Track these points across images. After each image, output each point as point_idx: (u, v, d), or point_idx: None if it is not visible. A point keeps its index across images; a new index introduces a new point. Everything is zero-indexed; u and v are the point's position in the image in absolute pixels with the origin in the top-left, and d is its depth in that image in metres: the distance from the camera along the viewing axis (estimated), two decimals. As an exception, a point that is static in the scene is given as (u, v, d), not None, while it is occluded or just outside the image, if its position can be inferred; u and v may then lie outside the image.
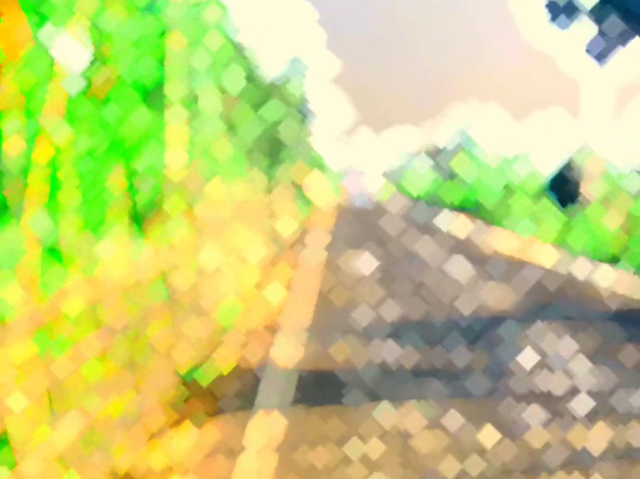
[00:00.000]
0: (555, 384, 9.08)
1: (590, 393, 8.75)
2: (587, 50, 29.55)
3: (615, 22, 27.58)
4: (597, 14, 28.40)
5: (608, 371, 9.69)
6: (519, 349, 10.88)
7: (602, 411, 8.03)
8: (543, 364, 9.99)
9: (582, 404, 8.27)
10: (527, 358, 10.32)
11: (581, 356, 10.38)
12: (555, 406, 8.25)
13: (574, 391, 8.79)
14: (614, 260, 19.62)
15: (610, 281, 17.63)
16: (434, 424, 7.61)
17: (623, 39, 27.98)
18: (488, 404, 8.34)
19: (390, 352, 10.78)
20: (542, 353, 10.65)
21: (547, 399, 8.50)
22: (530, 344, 11.19)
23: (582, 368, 9.80)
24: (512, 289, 16.13)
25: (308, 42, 39.53)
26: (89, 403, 6.77)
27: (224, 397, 8.81)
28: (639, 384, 9.11)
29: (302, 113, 30.39)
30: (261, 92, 22.98)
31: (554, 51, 30.05)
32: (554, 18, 29.24)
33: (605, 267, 19.62)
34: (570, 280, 18.04)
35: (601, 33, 28.83)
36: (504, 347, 11.10)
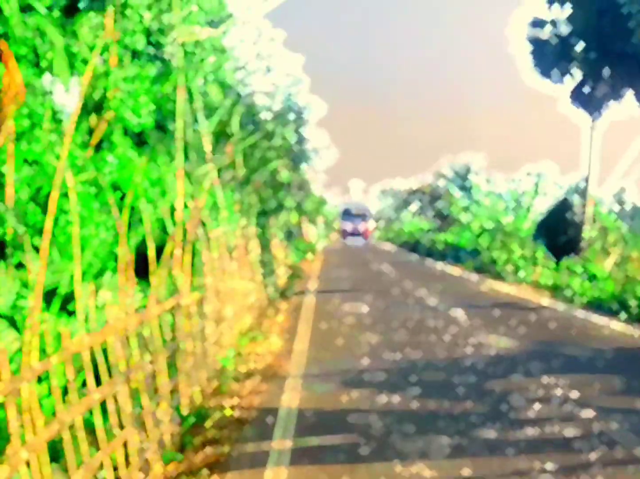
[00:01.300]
0: (563, 432, 9.05)
1: (599, 438, 8.74)
2: (572, 99, 29.69)
3: (602, 70, 27.77)
4: (584, 62, 28.63)
5: (611, 415, 9.70)
6: (524, 397, 10.83)
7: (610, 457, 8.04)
8: (549, 411, 10.00)
9: (590, 451, 8.27)
10: (532, 405, 10.32)
11: (587, 401, 10.40)
12: (564, 454, 8.24)
13: (581, 438, 8.79)
14: (610, 304, 19.65)
15: (607, 326, 17.69)
16: None
17: (614, 91, 28.11)
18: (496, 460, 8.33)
19: (392, 402, 10.71)
20: (546, 400, 10.60)
21: (557, 448, 8.49)
22: (534, 392, 11.19)
23: (588, 413, 9.79)
24: (511, 333, 16.13)
25: (299, 89, 40.05)
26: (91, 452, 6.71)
27: (225, 442, 8.77)
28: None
29: (297, 158, 30.58)
30: (256, 136, 23.13)
31: (555, 94, 30.20)
32: (544, 73, 29.42)
33: (602, 313, 19.68)
34: (566, 324, 18.10)
35: (588, 82, 29.02)
36: (509, 394, 11.07)
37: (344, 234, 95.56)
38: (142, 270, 11.82)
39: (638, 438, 8.52)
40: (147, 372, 8.20)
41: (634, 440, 8.44)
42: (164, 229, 14.61)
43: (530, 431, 8.81)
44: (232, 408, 10.13)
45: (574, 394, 10.59)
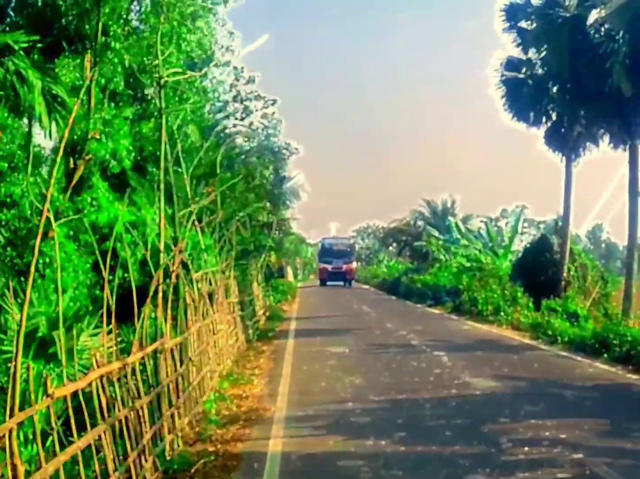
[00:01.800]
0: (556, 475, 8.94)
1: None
2: (546, 141, 29.86)
3: (577, 111, 27.96)
4: (559, 103, 28.83)
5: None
6: (513, 439, 10.70)
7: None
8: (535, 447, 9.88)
9: None
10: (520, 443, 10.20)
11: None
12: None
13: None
14: (592, 344, 19.59)
15: (590, 366, 17.66)
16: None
17: (589, 131, 28.27)
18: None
19: (378, 445, 10.54)
20: (536, 443, 10.48)
21: None
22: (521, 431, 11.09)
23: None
24: (495, 373, 16.04)
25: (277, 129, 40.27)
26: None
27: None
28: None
29: (276, 199, 30.60)
30: (235, 178, 23.07)
31: (533, 133, 30.28)
32: (519, 114, 29.53)
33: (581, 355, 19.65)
34: (550, 364, 18.06)
35: (563, 122, 29.23)
36: (498, 436, 10.95)
37: (324, 275, 74.69)
38: (122, 312, 11.64)
39: (630, 480, 8.40)
40: (131, 418, 8.02)
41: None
42: (144, 271, 14.43)
43: (521, 475, 8.67)
44: (217, 453, 9.92)
45: (563, 436, 10.47)
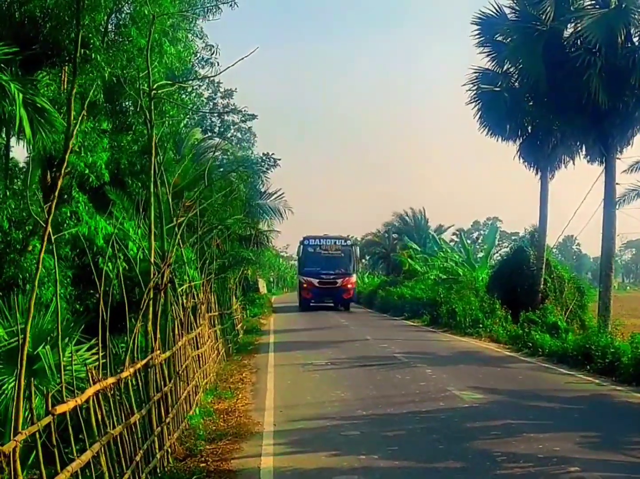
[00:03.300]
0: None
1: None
2: (522, 154, 29.95)
3: (553, 123, 28.10)
4: (535, 116, 28.95)
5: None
6: (505, 451, 10.65)
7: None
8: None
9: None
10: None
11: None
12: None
13: None
14: (573, 355, 19.66)
15: (572, 378, 17.70)
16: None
17: (564, 144, 28.42)
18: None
19: (370, 459, 10.45)
20: (529, 455, 10.44)
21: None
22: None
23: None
24: (479, 386, 16.01)
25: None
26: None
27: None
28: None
29: (254, 212, 30.51)
30: (214, 192, 22.93)
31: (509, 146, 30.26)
32: (494, 128, 29.59)
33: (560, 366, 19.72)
34: (531, 376, 18.08)
35: (539, 135, 29.36)
36: (489, 448, 10.90)
37: (307, 293, 49.81)
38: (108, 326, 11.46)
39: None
40: (125, 434, 7.89)
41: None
42: (125, 285, 14.24)
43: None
44: (209, 469, 9.77)
45: (557, 449, 10.44)
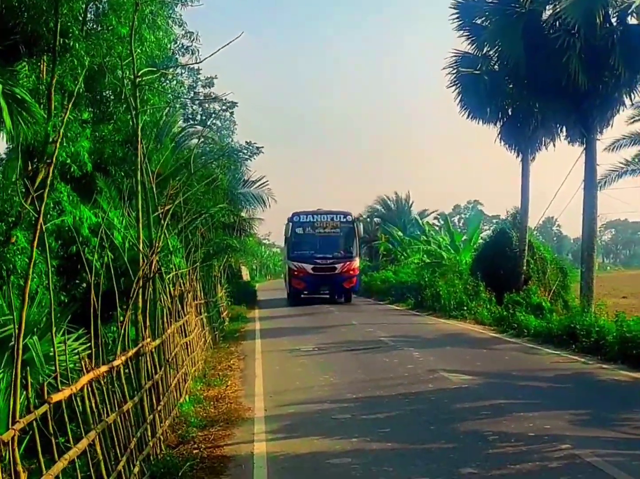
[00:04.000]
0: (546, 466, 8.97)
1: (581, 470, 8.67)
2: (503, 136, 30.04)
3: (534, 105, 28.16)
4: (515, 98, 29.05)
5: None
6: (498, 431, 10.72)
7: None
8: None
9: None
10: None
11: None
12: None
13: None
14: (558, 335, 19.79)
15: (559, 357, 17.83)
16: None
17: (545, 126, 28.52)
18: None
19: (364, 441, 10.51)
20: (521, 434, 10.52)
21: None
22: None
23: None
24: (467, 367, 16.09)
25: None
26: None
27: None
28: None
29: (237, 200, 30.44)
30: (195, 180, 22.85)
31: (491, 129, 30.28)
32: (474, 111, 29.60)
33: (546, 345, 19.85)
34: (517, 356, 18.19)
35: (519, 118, 29.42)
36: (480, 428, 10.97)
37: (298, 283, 40.52)
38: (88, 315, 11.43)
39: (620, 469, 8.44)
40: (119, 422, 7.89)
41: (615, 471, 8.38)
42: (112, 274, 14.20)
43: (513, 468, 8.68)
44: (202, 456, 9.79)
45: (547, 427, 10.53)
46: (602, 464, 8.61)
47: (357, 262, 41.05)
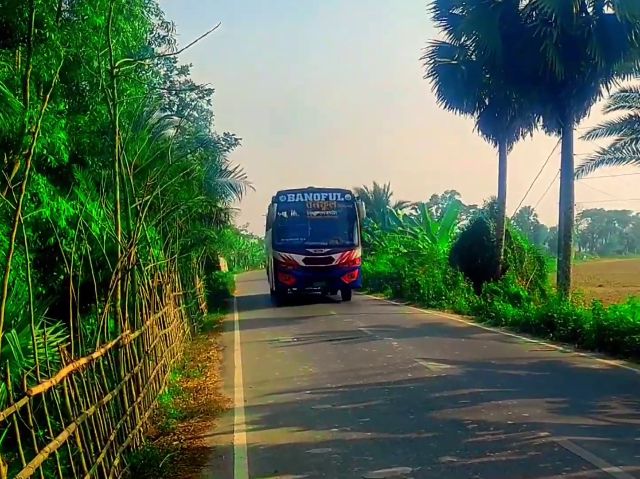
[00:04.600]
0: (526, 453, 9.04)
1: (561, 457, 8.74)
2: (480, 126, 30.15)
3: (511, 95, 28.25)
4: (492, 88, 29.15)
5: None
6: (477, 419, 10.79)
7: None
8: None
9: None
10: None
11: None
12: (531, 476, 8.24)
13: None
14: (536, 324, 19.90)
15: (537, 346, 17.94)
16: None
17: (522, 116, 28.64)
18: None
19: (343, 431, 10.54)
20: (500, 423, 10.59)
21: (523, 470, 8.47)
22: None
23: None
24: (446, 356, 16.16)
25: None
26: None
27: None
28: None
29: (213, 191, 30.25)
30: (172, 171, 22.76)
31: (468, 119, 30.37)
32: (451, 101, 29.65)
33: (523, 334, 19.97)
34: (495, 345, 18.29)
35: (497, 108, 29.52)
36: (460, 417, 11.03)
37: (287, 277, 32.93)
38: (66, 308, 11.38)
39: (597, 456, 8.52)
40: (99, 414, 7.87)
41: (593, 458, 8.46)
42: (88, 267, 14.14)
43: (492, 455, 8.75)
44: (182, 447, 9.80)
45: (526, 415, 10.61)
46: (580, 451, 8.70)
47: (358, 252, 33.58)
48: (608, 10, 23.91)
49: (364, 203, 35.70)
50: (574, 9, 23.16)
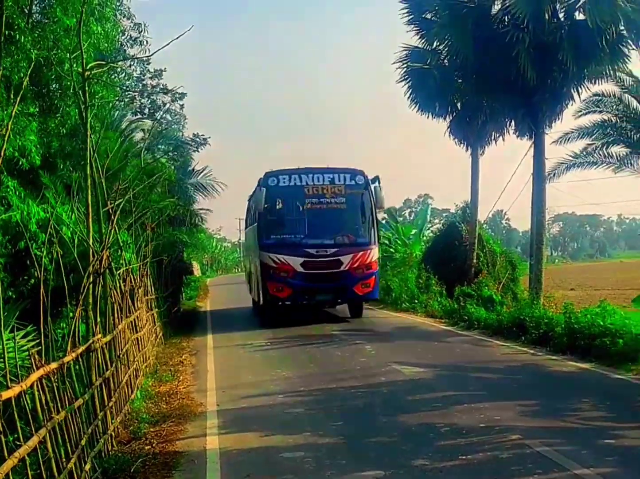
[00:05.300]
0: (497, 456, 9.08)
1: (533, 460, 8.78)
2: (451, 131, 30.31)
3: (482, 100, 28.39)
4: (464, 93, 29.27)
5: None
6: (449, 423, 10.82)
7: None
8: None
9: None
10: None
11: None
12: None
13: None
14: (508, 328, 20.00)
15: (508, 349, 18.04)
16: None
17: (494, 120, 28.81)
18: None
19: (316, 435, 10.53)
20: (472, 426, 10.63)
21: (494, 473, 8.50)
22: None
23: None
24: (420, 360, 16.20)
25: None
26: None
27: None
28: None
29: (185, 194, 30.15)
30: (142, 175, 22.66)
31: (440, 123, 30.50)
32: (423, 105, 29.76)
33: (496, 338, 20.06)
34: (468, 349, 18.36)
35: (468, 112, 29.67)
36: (432, 421, 11.06)
37: (277, 286, 24.17)
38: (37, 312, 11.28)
39: (569, 458, 8.57)
40: (69, 419, 7.80)
41: (565, 460, 8.51)
42: (61, 270, 14.03)
43: (464, 458, 8.77)
44: (154, 452, 9.74)
45: (497, 418, 10.66)
46: (552, 453, 8.75)
47: (375, 252, 25.30)
48: (579, 15, 24.10)
49: (382, 187, 25.50)
50: (546, 15, 23.35)
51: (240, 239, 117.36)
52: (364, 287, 24.51)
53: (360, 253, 24.32)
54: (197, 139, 38.46)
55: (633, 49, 23.66)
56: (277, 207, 25.38)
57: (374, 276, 24.77)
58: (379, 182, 25.31)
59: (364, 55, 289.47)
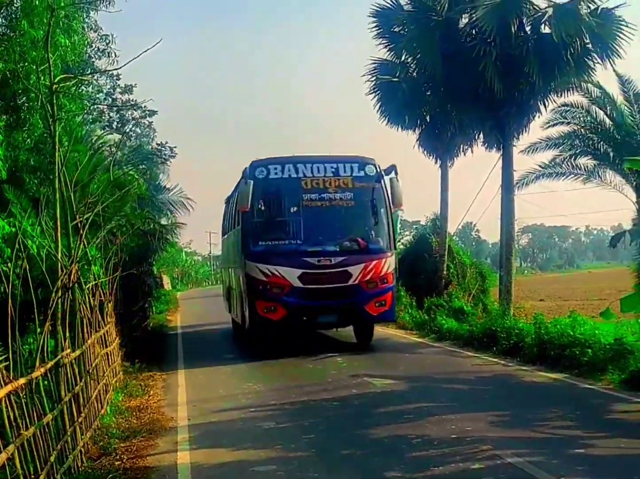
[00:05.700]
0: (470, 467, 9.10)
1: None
2: (420, 144, 30.50)
3: (451, 113, 28.59)
4: (433, 106, 29.46)
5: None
6: (421, 434, 10.83)
7: None
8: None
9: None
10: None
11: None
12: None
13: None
14: (478, 339, 20.08)
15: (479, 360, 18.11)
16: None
17: (463, 133, 29.04)
18: None
19: (289, 449, 10.50)
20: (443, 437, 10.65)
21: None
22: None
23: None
24: (391, 372, 16.22)
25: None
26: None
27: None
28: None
29: (155, 208, 30.03)
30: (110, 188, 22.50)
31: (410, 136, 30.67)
32: (392, 118, 29.90)
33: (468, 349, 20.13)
34: (439, 360, 18.42)
35: (437, 125, 29.87)
36: (405, 432, 11.07)
37: (268, 307, 19.01)
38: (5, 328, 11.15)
39: (540, 468, 8.61)
40: (38, 435, 7.71)
41: (536, 470, 8.56)
42: (29, 285, 13.89)
43: (437, 469, 8.78)
44: (125, 467, 9.65)
45: (468, 428, 10.68)
46: (523, 464, 8.78)
47: (392, 261, 20.36)
48: (545, 29, 24.31)
49: (399, 179, 20.51)
50: (513, 28, 23.49)
51: (210, 253, 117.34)
52: (379, 306, 19.76)
53: (374, 263, 19.55)
54: (163, 149, 38.25)
55: (598, 62, 23.92)
56: (267, 205, 20.44)
57: (390, 291, 20.09)
58: (396, 173, 20.42)
59: (327, 75, 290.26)
